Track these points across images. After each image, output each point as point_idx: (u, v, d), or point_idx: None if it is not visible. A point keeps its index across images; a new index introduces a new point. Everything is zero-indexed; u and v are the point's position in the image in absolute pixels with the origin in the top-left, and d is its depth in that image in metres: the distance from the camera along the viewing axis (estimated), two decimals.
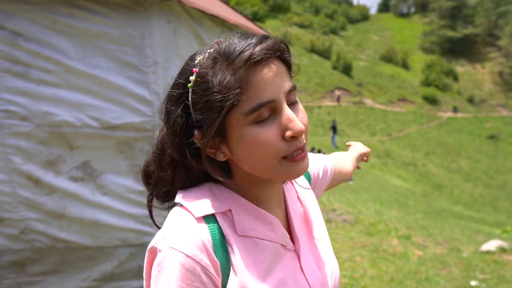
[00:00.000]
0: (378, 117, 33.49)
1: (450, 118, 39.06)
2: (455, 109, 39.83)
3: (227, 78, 0.62)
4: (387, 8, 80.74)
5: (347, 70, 40.45)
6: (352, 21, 62.00)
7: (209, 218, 0.67)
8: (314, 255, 0.78)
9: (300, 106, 0.69)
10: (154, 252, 0.67)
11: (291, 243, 0.75)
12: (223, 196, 0.70)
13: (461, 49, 54.08)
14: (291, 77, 0.70)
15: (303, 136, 0.66)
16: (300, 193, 0.85)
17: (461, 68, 51.71)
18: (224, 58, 0.63)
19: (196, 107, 0.66)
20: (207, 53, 0.67)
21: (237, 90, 0.61)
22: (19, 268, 3.08)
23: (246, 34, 0.67)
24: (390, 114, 35.05)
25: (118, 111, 2.83)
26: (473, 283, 3.98)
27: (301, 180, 0.87)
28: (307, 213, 0.83)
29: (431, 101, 41.69)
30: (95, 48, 2.74)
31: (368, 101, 36.98)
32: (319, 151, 14.90)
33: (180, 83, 0.70)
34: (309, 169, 0.92)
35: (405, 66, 48.55)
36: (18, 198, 2.90)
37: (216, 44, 0.68)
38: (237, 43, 0.64)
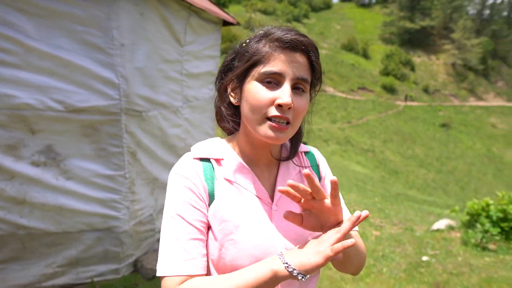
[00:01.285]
0: (339, 105, 34.28)
1: (407, 106, 40.66)
2: (406, 98, 41.46)
3: (261, 45, 0.85)
4: None
5: None
6: (315, 9, 62.53)
7: (205, 160, 0.91)
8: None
9: (304, 97, 0.86)
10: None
11: (269, 199, 0.92)
12: (223, 148, 0.94)
13: (418, 40, 56.11)
14: (312, 74, 0.88)
15: (290, 112, 0.83)
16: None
17: (418, 59, 53.74)
18: (266, 35, 0.86)
19: (237, 59, 0.90)
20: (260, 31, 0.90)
21: (262, 54, 0.84)
22: None
23: (289, 28, 0.88)
24: (350, 102, 35.97)
25: (84, 94, 2.77)
26: (424, 258, 4.28)
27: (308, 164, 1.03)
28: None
29: (389, 90, 43.14)
30: (59, 29, 2.66)
31: (330, 89, 37.71)
32: None
33: (236, 46, 0.93)
34: (322, 174, 1.05)
35: (365, 55, 49.77)
36: None
37: (266, 29, 0.90)
38: (280, 29, 0.86)
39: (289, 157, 0.97)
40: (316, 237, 0.82)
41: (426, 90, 47.39)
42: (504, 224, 4.62)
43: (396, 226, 5.84)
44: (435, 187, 24.23)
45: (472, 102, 49.31)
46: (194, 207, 0.85)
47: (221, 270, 0.86)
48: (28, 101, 2.69)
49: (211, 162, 0.91)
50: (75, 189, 2.96)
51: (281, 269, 0.77)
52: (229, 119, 0.95)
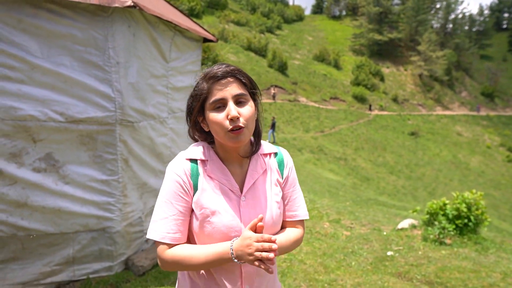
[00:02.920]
0: (312, 115, 35.12)
1: (377, 115, 42.05)
2: (370, 108, 42.81)
3: (203, 85, 1.21)
4: (320, 10, 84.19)
5: (282, 68, 41.68)
6: (288, 21, 63.83)
7: (193, 160, 1.26)
8: (257, 205, 1.27)
9: (247, 105, 1.20)
10: None
11: (239, 192, 1.26)
12: (207, 152, 1.28)
13: (387, 52, 58.18)
14: (247, 89, 1.23)
15: (240, 120, 1.17)
16: (270, 170, 1.35)
17: (387, 69, 55.65)
18: (204, 76, 1.23)
19: (193, 100, 1.25)
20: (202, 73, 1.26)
21: (205, 91, 1.20)
22: None
23: (220, 64, 1.24)
24: (323, 112, 36.90)
25: (82, 106, 3.08)
26: (389, 253, 4.74)
27: (275, 164, 1.37)
28: (266, 182, 1.32)
29: (360, 99, 44.48)
30: (60, 48, 2.97)
31: (303, 99, 38.57)
32: None
33: (191, 92, 1.29)
34: (286, 174, 1.38)
35: (337, 66, 51.14)
36: None
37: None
38: (213, 68, 1.22)
39: (253, 152, 1.30)
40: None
41: (395, 100, 49.08)
42: (458, 221, 5.16)
43: (365, 226, 6.31)
44: (404, 193, 25.20)
45: (439, 111, 51.42)
46: (180, 196, 1.21)
47: (201, 240, 1.23)
48: (31, 112, 2.97)
49: (197, 163, 1.26)
50: (73, 193, 3.25)
51: (227, 252, 1.15)
52: (202, 138, 1.31)
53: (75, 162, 3.21)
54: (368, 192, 20.09)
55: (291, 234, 1.35)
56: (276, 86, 37.37)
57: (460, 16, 70.61)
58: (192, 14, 45.30)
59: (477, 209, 5.20)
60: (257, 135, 1.31)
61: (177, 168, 1.23)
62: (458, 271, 4.09)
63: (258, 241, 1.12)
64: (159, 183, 4.12)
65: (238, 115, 1.16)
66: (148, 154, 3.80)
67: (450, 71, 57.14)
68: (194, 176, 1.23)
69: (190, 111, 1.26)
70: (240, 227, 1.22)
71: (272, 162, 1.36)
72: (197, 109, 1.22)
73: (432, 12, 66.73)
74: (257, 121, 1.28)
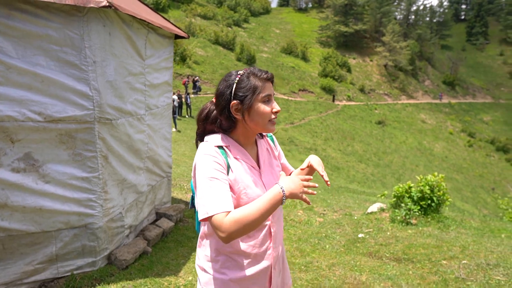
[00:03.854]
0: (281, 107, 35.43)
1: (345, 106, 43.02)
2: (333, 99, 43.71)
3: (255, 81, 1.48)
4: (287, 2, 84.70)
5: (250, 61, 41.83)
6: (255, 14, 63.88)
7: (220, 147, 1.50)
8: (271, 174, 1.61)
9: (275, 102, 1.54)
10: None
11: (258, 167, 1.58)
12: (227, 140, 1.54)
13: (352, 43, 59.41)
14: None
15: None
16: (269, 147, 1.70)
17: (353, 60, 56.87)
18: (254, 75, 1.49)
19: (240, 90, 1.47)
20: (243, 71, 1.50)
21: (259, 86, 1.47)
22: None
23: (260, 69, 1.52)
24: (292, 104, 37.39)
25: (60, 105, 3.12)
26: (360, 235, 5.04)
27: (270, 142, 1.76)
28: (271, 156, 1.69)
29: (328, 90, 45.33)
30: (36, 48, 3.00)
31: None
32: None
33: (229, 81, 1.50)
34: (278, 147, 1.80)
35: (304, 58, 51.77)
36: None
37: (246, 70, 1.51)
38: (259, 70, 1.50)
39: (262, 137, 1.70)
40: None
41: (362, 90, 50.32)
42: (422, 202, 5.53)
43: (337, 212, 6.61)
44: (374, 180, 26.08)
45: (404, 100, 53.17)
46: (222, 172, 1.41)
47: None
48: (9, 113, 2.99)
49: (224, 148, 1.50)
50: (54, 191, 3.29)
51: (279, 193, 1.35)
52: (225, 126, 1.54)
53: (55, 161, 3.25)
54: (339, 181, 20.68)
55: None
56: None
57: (421, 7, 72.99)
58: (158, 8, 44.51)
59: (439, 191, 5.58)
60: None
61: (212, 151, 1.43)
62: (423, 247, 4.42)
63: (304, 180, 1.40)
64: (138, 179, 4.20)
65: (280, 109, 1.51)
66: (127, 150, 3.87)
67: (413, 61, 59.11)
68: (225, 158, 1.46)
69: (239, 99, 1.46)
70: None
71: (268, 141, 1.74)
72: (250, 99, 1.45)
73: (395, 3, 68.62)
74: None
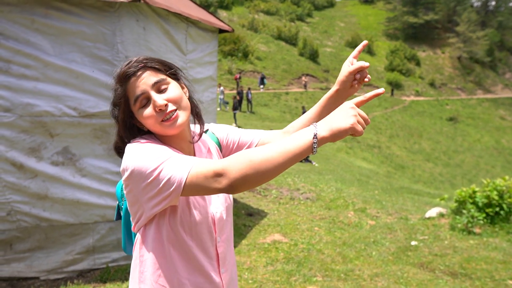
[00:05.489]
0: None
1: (413, 101, 40.67)
2: (392, 92, 41.02)
3: (118, 91, 1.13)
4: None
5: (313, 56, 41.05)
6: (318, 8, 62.59)
7: None
8: None
9: (170, 89, 1.13)
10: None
11: None
12: (156, 141, 1.16)
13: (422, 35, 55.90)
14: (164, 73, 1.14)
15: (169, 105, 1.10)
16: (211, 148, 1.30)
17: (423, 53, 53.55)
18: (116, 79, 1.13)
19: (116, 108, 1.16)
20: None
21: (123, 94, 1.11)
22: (7, 247, 3.39)
23: (126, 60, 1.14)
24: None
25: (94, 101, 3.16)
26: (413, 243, 4.60)
27: (211, 141, 1.32)
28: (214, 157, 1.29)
29: (395, 85, 43.12)
30: (71, 45, 3.06)
31: None
32: None
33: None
34: (218, 135, 1.35)
35: (370, 52, 49.74)
36: (3, 182, 3.20)
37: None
38: (120, 69, 1.12)
39: (196, 141, 1.23)
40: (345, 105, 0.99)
41: (432, 85, 47.25)
42: (489, 210, 4.92)
43: (391, 215, 6.15)
44: (442, 181, 24.35)
45: (480, 95, 49.02)
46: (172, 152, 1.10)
47: (185, 230, 1.15)
48: (47, 108, 3.09)
49: None
50: (90, 185, 3.36)
51: (310, 137, 0.95)
52: (133, 136, 1.17)
53: (91, 155, 3.31)
54: (402, 181, 19.56)
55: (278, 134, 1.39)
56: (307, 74, 36.92)
57: None
58: (221, 6, 45.40)
59: (509, 197, 4.93)
60: (196, 115, 1.24)
61: (149, 141, 1.11)
62: (485, 262, 3.91)
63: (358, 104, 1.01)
64: None
65: (165, 102, 1.09)
66: None
67: (492, 51, 54.16)
68: None
69: (120, 121, 1.15)
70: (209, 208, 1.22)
71: (208, 140, 1.30)
72: (126, 115, 1.13)
73: None
74: (190, 98, 1.22)
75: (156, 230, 1.14)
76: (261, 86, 29.46)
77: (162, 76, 1.13)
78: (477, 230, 4.82)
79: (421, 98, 42.84)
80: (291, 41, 43.28)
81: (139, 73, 1.10)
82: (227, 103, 22.32)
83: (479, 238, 4.62)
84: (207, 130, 1.35)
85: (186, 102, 1.16)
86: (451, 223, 5.04)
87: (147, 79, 1.11)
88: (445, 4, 56.76)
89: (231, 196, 1.32)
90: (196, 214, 1.16)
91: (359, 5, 70.46)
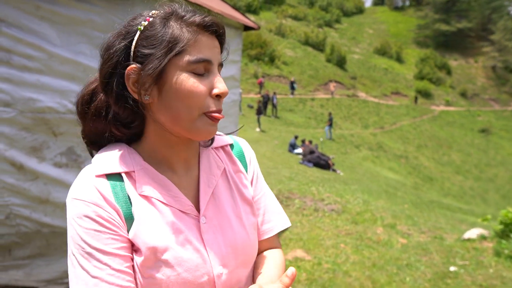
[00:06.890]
0: (371, 110, 33.60)
1: (443, 111, 39.33)
2: (415, 100, 39.42)
3: (176, 30, 0.71)
4: (382, 1, 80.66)
5: (341, 63, 40.33)
6: (347, 14, 61.80)
7: (112, 176, 0.74)
8: (227, 227, 0.80)
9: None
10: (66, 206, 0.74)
11: (196, 211, 0.78)
12: (131, 158, 0.77)
13: (454, 43, 54.27)
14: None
15: (222, 102, 0.75)
16: (230, 169, 0.88)
17: (455, 62, 51.92)
18: (178, 17, 0.73)
19: (144, 42, 0.71)
20: (159, 11, 0.76)
21: (185, 41, 0.70)
22: (6, 252, 3.12)
23: (192, 9, 0.77)
24: (383, 107, 35.18)
25: None
26: (452, 268, 4.09)
27: (235, 159, 0.90)
28: (233, 191, 0.85)
29: (424, 94, 41.87)
30: (79, 35, 2.76)
31: (362, 94, 37.07)
32: (310, 142, 14.98)
33: (131, 26, 0.75)
34: (251, 173, 0.92)
35: (399, 59, 48.61)
36: (1, 184, 2.92)
37: (166, 8, 0.77)
38: (188, 11, 0.75)
39: (207, 145, 0.86)
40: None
41: (463, 95, 45.65)
42: None
43: (424, 234, 5.63)
44: (473, 195, 23.21)
45: None
46: (110, 233, 0.69)
47: None
48: (50, 104, 2.81)
49: (121, 176, 0.74)
50: None
51: None
52: (124, 119, 0.78)
53: None
54: (430, 193, 18.69)
55: (278, 262, 0.89)
56: (334, 81, 36.28)
57: None
58: (249, 10, 45.36)
59: None
60: None
61: (87, 195, 0.70)
62: None
63: None
64: None
65: (227, 91, 0.74)
66: None
67: None
68: (121, 200, 0.73)
69: (142, 61, 0.72)
70: (209, 266, 0.76)
71: (229, 157, 0.89)
72: (161, 62, 0.70)
73: None
74: None
75: None
76: (291, 91, 29.50)
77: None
78: None
79: (451, 108, 41.41)
80: (318, 47, 42.76)
81: (214, 37, 0.75)
82: (252, 107, 22.14)
83: None
84: (232, 144, 0.92)
85: None
86: (496, 248, 4.49)
87: (218, 52, 0.76)
88: (479, 11, 54.95)
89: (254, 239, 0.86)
90: (178, 278, 0.73)
91: (389, 12, 69.25)
